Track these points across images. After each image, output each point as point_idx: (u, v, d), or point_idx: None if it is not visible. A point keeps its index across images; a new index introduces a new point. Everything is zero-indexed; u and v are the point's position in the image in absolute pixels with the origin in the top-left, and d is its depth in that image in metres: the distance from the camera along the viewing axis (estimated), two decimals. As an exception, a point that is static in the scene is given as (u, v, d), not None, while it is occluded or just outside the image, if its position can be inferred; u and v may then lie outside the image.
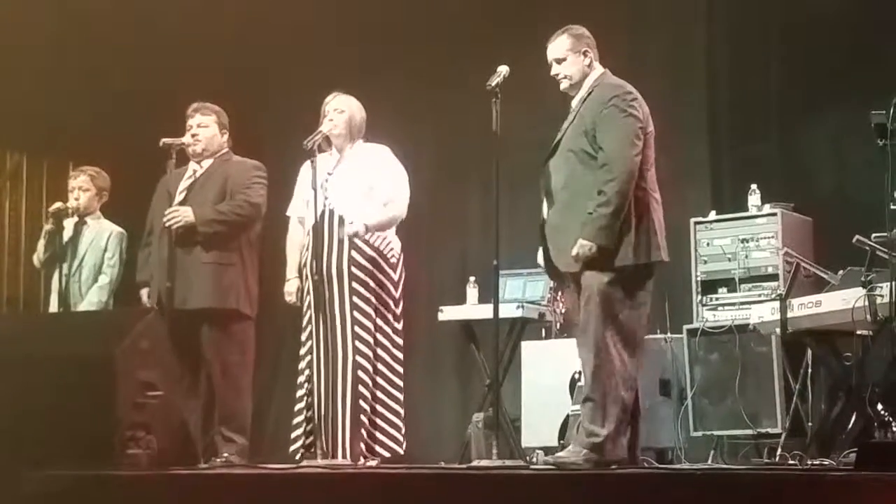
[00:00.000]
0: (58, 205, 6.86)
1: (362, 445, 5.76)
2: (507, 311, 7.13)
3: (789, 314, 6.26)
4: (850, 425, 6.05)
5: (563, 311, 6.92)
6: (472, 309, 7.53)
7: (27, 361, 5.14)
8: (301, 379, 5.91)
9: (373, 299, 5.85)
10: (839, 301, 5.97)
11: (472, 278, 7.63)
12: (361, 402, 5.76)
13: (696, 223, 7.23)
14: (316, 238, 5.76)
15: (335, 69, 8.10)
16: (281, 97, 8.83)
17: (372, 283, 5.86)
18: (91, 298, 6.85)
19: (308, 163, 5.82)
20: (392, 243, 5.97)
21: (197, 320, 6.00)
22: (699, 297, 7.16)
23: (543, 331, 7.57)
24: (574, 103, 5.32)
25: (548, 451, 6.50)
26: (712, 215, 7.26)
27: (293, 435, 5.90)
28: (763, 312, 6.52)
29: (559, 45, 5.33)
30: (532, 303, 7.46)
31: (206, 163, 6.24)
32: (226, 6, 8.47)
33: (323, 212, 5.81)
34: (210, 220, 6.04)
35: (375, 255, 5.88)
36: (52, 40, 8.24)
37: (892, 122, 5.23)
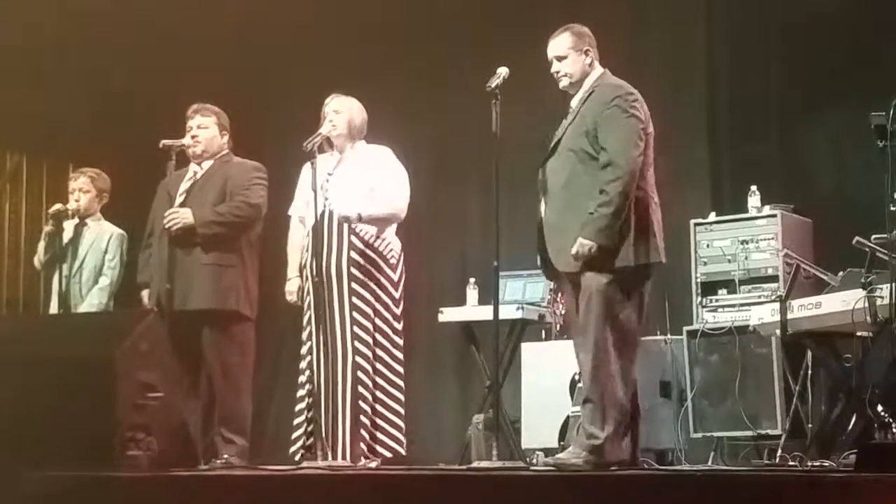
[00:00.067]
0: (58, 206, 6.85)
1: (363, 446, 5.76)
2: (507, 312, 7.13)
3: (789, 315, 6.26)
4: (850, 427, 6.04)
5: (563, 312, 6.91)
6: (472, 310, 7.53)
7: (27, 363, 5.15)
8: (302, 379, 5.91)
9: (372, 300, 5.86)
10: (839, 302, 5.96)
11: (472, 279, 7.63)
12: (361, 403, 5.76)
13: (696, 224, 7.21)
14: (316, 239, 5.76)
15: (335, 69, 8.10)
16: (281, 97, 8.84)
17: (372, 284, 5.86)
18: (91, 300, 6.84)
19: (309, 164, 5.83)
20: (392, 244, 5.98)
21: (197, 322, 6.00)
22: (699, 298, 7.14)
23: (543, 332, 7.55)
24: (574, 103, 5.31)
25: (548, 452, 6.50)
26: (712, 216, 7.25)
27: (293, 436, 5.90)
28: (763, 314, 6.51)
29: (560, 43, 5.31)
30: (532, 304, 7.45)
31: (207, 164, 6.24)
32: (226, 6, 8.46)
33: (323, 212, 5.81)
34: (209, 222, 6.04)
35: (375, 256, 5.89)
36: (52, 40, 8.24)
37: (892, 124, 5.21)
